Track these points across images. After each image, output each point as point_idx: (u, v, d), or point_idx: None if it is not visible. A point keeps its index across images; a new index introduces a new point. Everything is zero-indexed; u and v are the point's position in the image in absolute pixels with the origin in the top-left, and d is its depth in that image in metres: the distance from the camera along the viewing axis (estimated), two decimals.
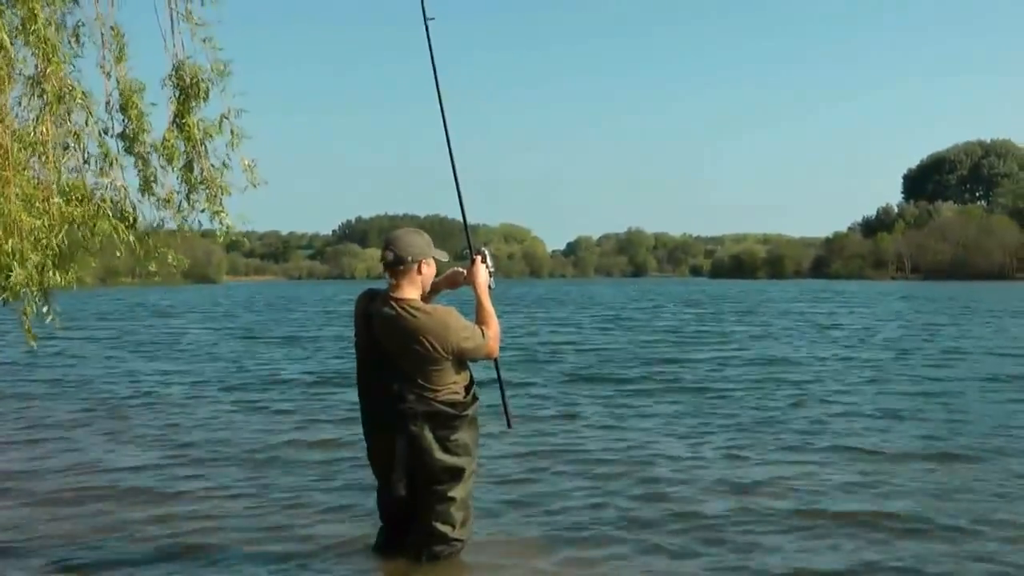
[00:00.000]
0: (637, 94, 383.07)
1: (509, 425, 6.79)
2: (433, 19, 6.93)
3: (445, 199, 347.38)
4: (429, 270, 6.26)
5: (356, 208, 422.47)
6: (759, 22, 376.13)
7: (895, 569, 6.58)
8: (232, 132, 7.70)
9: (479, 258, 6.57)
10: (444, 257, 6.37)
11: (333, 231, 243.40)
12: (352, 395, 7.92)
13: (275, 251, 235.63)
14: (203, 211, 7.86)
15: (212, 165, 7.77)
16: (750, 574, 6.50)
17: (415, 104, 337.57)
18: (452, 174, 6.78)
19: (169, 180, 7.83)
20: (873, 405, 13.82)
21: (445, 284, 6.73)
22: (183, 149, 7.70)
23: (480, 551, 6.72)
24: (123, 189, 7.76)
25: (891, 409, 13.36)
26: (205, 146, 7.73)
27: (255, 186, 7.86)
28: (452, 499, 6.21)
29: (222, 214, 7.85)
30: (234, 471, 9.59)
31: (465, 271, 6.65)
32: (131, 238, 7.70)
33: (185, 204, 7.85)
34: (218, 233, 7.95)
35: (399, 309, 6.05)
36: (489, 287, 6.54)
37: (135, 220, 7.80)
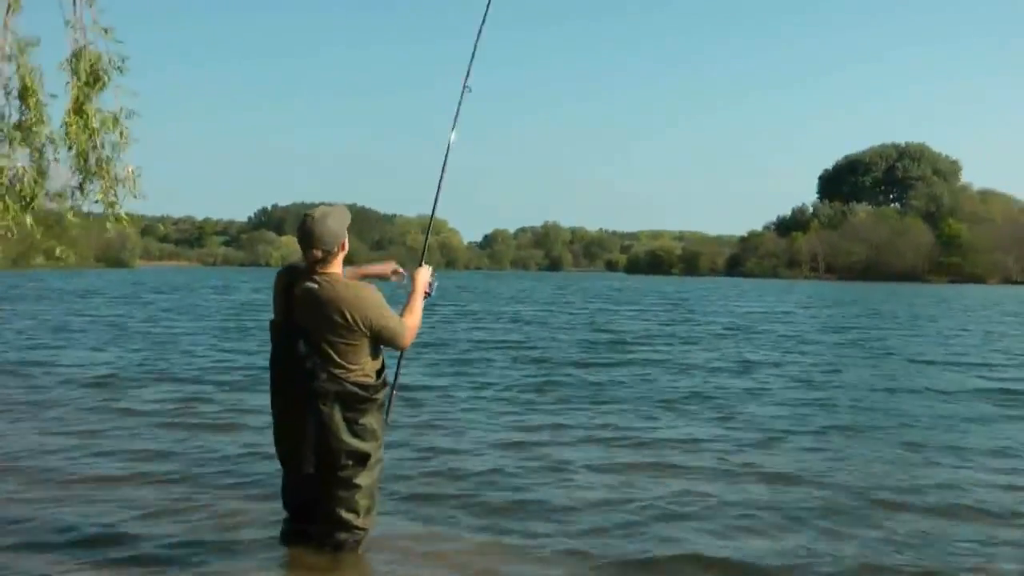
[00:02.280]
0: (554, 88, 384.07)
1: (386, 420, 6.78)
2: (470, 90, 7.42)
3: (361, 188, 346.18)
4: (347, 243, 6.26)
5: (272, 196, 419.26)
6: (672, 17, 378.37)
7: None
8: (121, 134, 7.61)
9: (427, 266, 6.79)
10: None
11: (249, 218, 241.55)
12: None
13: (190, 237, 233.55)
14: (96, 201, 7.75)
15: (107, 156, 7.67)
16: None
17: (333, 93, 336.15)
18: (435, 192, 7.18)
19: (62, 170, 7.71)
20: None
21: (374, 272, 6.93)
22: (78, 137, 7.58)
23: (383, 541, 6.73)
24: (22, 170, 7.61)
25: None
26: (102, 136, 7.62)
27: (135, 197, 7.80)
28: (357, 486, 6.19)
29: (116, 205, 7.75)
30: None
31: (399, 269, 7.00)
32: (29, 221, 7.56)
33: (79, 194, 7.74)
34: (108, 226, 7.86)
35: (322, 282, 6.04)
36: (427, 293, 6.70)
37: (32, 202, 7.65)
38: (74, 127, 7.50)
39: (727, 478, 9.12)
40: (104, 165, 7.65)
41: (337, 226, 6.12)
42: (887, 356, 22.11)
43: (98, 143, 7.61)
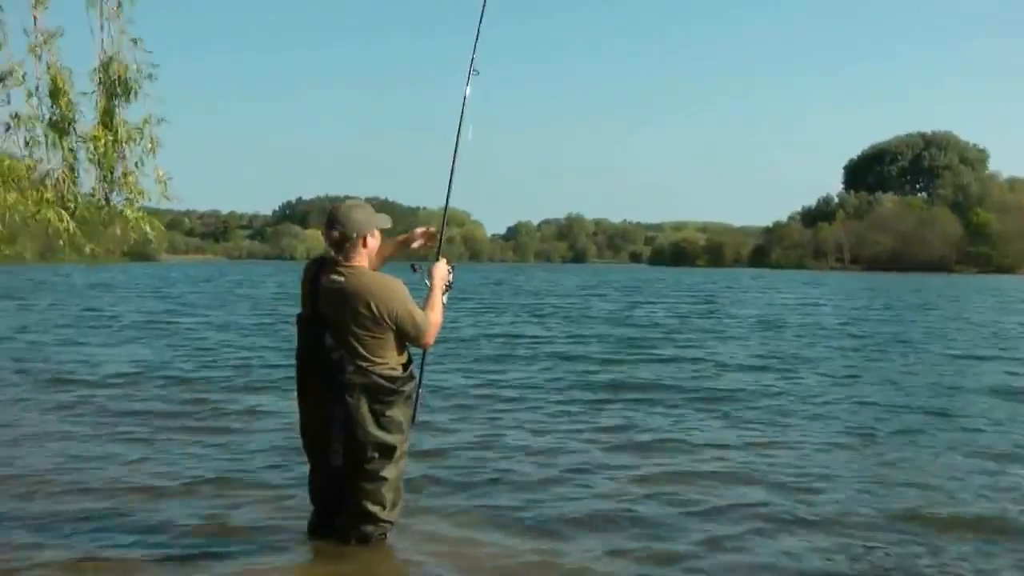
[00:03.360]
0: (576, 75, 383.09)
1: (413, 420, 6.76)
2: (479, 74, 7.26)
3: (386, 182, 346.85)
4: (374, 241, 6.28)
5: (297, 189, 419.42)
6: (697, 2, 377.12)
7: None
8: (151, 139, 7.66)
9: (444, 260, 6.72)
10: (387, 223, 6.36)
11: (274, 211, 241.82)
12: None
13: (215, 231, 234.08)
14: (120, 212, 7.82)
15: (132, 169, 7.74)
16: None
17: (357, 87, 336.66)
18: (448, 180, 6.99)
19: (90, 178, 7.79)
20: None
21: (396, 246, 6.88)
22: (106, 150, 7.65)
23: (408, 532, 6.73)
24: (63, 175, 7.68)
25: None
26: (127, 148, 7.68)
27: (168, 199, 7.86)
28: (384, 479, 6.19)
29: (141, 219, 7.84)
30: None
31: (421, 229, 6.96)
32: (71, 226, 7.63)
33: (104, 203, 7.82)
34: (132, 234, 7.94)
35: (347, 274, 6.05)
36: (447, 286, 6.62)
37: (76, 208, 7.72)
38: (102, 140, 7.56)
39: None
40: (128, 177, 7.71)
41: (363, 216, 6.14)
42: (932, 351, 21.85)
43: (125, 154, 7.68)
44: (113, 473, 8.62)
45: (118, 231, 8.05)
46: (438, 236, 6.99)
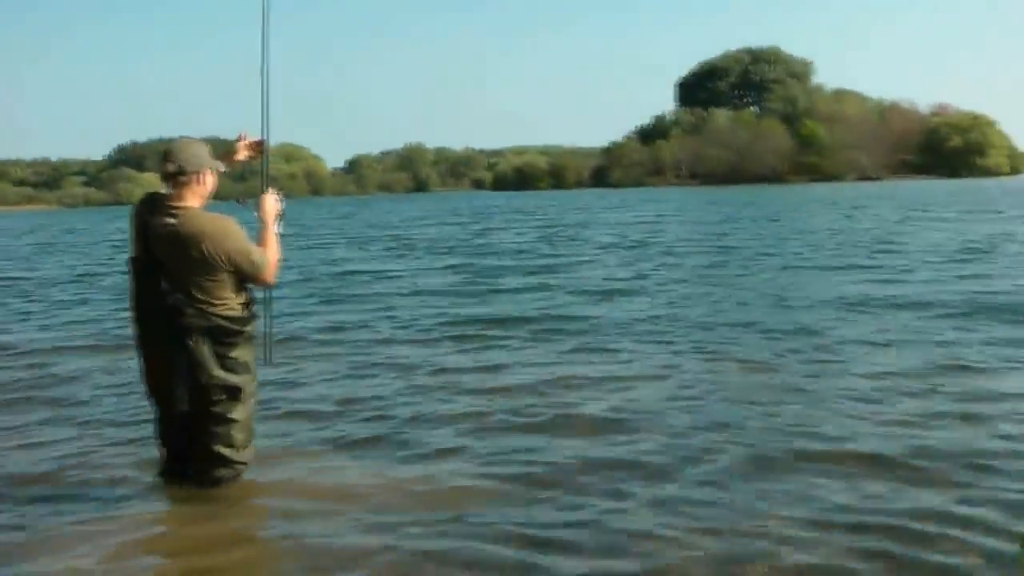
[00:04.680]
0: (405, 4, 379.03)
1: (268, 360, 6.73)
2: None
3: (219, 118, 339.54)
4: (212, 179, 6.15)
5: (130, 132, 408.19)
6: None
7: None
8: None
9: (272, 191, 6.52)
10: (222, 167, 6.25)
11: (107, 156, 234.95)
12: None
13: (47, 179, 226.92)
14: None
15: None
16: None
17: (183, 19, 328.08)
18: (261, 105, 6.61)
19: None
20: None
21: (229, 159, 6.57)
22: None
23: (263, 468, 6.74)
24: None
25: None
26: None
27: None
28: (232, 420, 6.17)
29: None
30: None
31: (245, 145, 6.65)
32: None
33: None
34: None
35: (180, 216, 5.94)
36: (279, 216, 6.46)
37: None
38: None
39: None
40: None
41: (201, 152, 6.05)
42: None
43: None
44: None
45: None
46: (263, 150, 6.69)
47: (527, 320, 13.78)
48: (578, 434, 7.74)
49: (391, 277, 21.51)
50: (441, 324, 13.70)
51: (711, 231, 34.14)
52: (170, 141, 6.23)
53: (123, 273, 6.55)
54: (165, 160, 6.02)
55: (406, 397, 9.23)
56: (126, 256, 6.25)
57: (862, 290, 15.66)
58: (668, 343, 11.54)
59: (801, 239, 28.11)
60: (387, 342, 12.40)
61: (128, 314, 6.36)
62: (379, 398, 9.22)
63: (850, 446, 7.15)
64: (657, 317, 13.61)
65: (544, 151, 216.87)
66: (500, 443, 7.56)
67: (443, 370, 10.42)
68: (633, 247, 27.76)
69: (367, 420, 8.42)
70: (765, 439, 7.39)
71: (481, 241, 33.83)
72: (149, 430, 6.81)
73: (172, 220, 5.94)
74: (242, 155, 6.70)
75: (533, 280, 19.54)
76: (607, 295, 16.48)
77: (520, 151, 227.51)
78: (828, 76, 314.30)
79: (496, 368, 10.43)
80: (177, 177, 6.00)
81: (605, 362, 10.56)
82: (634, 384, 9.45)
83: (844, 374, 9.58)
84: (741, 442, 7.33)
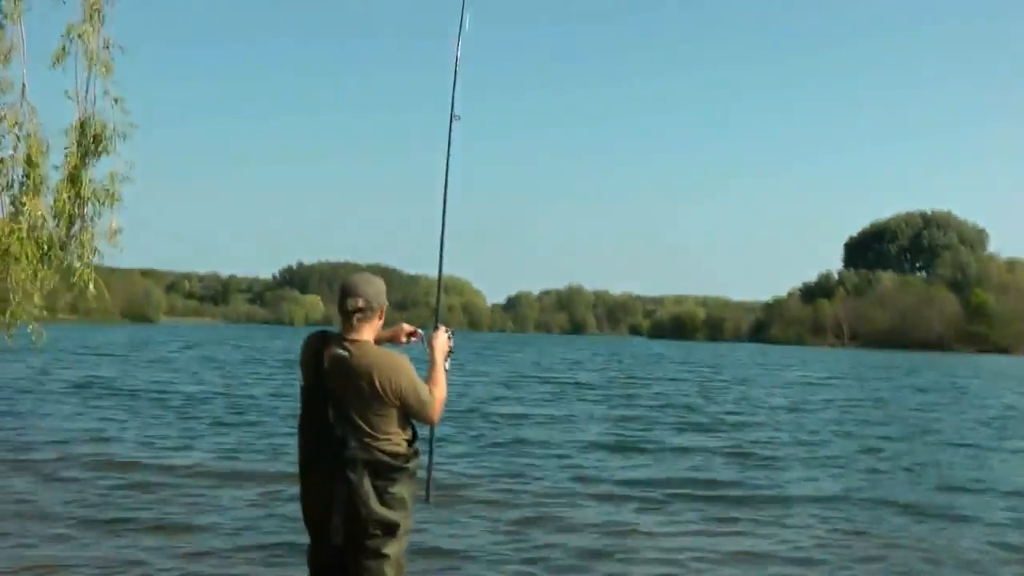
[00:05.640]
0: (578, 152, 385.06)
1: (428, 499, 6.64)
2: (459, 118, 6.94)
3: (385, 248, 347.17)
4: (383, 316, 6.14)
5: (297, 253, 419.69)
6: (701, 88, 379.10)
7: None
8: (110, 196, 7.80)
9: (443, 328, 6.48)
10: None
11: (274, 276, 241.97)
12: None
13: (215, 293, 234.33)
14: (67, 266, 7.97)
15: (89, 222, 7.90)
16: None
17: (356, 153, 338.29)
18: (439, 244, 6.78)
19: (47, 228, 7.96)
20: None
21: (387, 336, 6.63)
22: (64, 207, 7.82)
23: None
24: (42, 218, 7.81)
25: None
26: (90, 204, 7.86)
27: (119, 249, 8.02)
28: (385, 556, 6.01)
29: (88, 272, 8.04)
30: None
31: (408, 327, 6.67)
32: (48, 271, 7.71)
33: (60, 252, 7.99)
34: (74, 286, 8.15)
35: (353, 349, 5.90)
36: (449, 353, 6.41)
37: (49, 249, 7.82)
38: (64, 196, 7.70)
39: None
40: (84, 233, 7.84)
41: (381, 288, 6.04)
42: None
43: (86, 211, 7.83)
44: None
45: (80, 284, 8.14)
46: (434, 306, 6.79)
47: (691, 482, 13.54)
48: None
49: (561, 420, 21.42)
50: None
51: (891, 399, 33.27)
52: (335, 266, 6.29)
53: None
54: (349, 295, 5.99)
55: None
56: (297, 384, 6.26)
57: None
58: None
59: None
60: (559, 495, 12.18)
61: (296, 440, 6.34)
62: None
63: None
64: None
65: (702, 301, 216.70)
66: None
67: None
68: (806, 410, 27.19)
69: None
70: None
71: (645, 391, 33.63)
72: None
73: (345, 352, 5.91)
74: (402, 339, 6.74)
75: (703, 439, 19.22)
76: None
77: (679, 299, 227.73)
78: (1002, 245, 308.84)
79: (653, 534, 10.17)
80: (363, 312, 6.00)
81: None
82: None
83: None
84: None
